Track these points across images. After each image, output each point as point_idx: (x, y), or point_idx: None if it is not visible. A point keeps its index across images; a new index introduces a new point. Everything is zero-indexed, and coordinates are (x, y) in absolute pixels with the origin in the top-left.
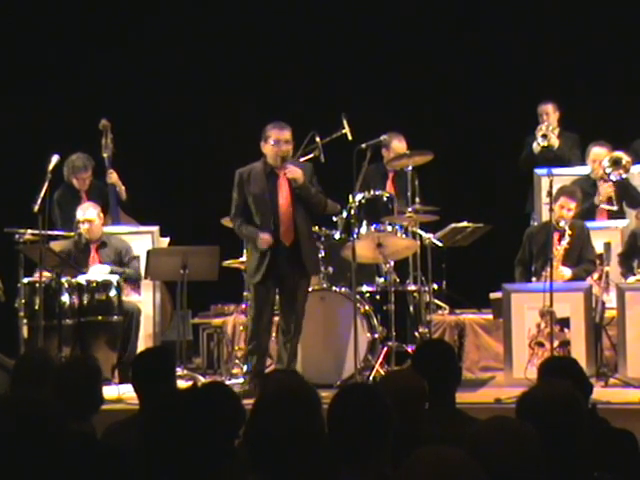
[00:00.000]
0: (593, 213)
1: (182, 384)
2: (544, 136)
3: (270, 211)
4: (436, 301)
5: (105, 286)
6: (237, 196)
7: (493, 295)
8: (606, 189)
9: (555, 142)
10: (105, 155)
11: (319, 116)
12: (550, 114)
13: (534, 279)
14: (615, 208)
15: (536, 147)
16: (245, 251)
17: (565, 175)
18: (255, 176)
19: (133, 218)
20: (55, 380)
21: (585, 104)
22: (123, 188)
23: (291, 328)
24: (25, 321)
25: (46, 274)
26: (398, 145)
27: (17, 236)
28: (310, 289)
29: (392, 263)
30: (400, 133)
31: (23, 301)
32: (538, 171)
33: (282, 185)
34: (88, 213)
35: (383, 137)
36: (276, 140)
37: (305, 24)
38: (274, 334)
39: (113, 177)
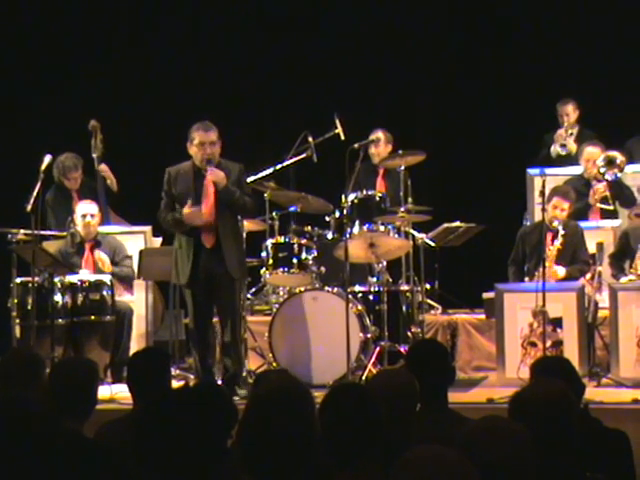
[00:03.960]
0: (586, 213)
1: (174, 384)
2: (563, 145)
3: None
4: (429, 301)
5: (98, 286)
6: (165, 194)
7: (486, 295)
8: (600, 189)
9: (573, 148)
10: (95, 155)
11: (311, 116)
12: (570, 114)
13: (527, 279)
14: (611, 207)
15: (554, 151)
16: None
17: (558, 175)
18: (182, 176)
19: (122, 218)
20: (51, 380)
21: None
22: (114, 180)
23: (226, 333)
24: (18, 321)
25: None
26: (377, 135)
27: (10, 236)
28: (302, 289)
29: (385, 263)
30: (380, 127)
31: (16, 301)
32: (531, 171)
33: (207, 187)
34: (90, 208)
35: (372, 137)
36: (200, 142)
37: (297, 25)
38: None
39: (103, 169)
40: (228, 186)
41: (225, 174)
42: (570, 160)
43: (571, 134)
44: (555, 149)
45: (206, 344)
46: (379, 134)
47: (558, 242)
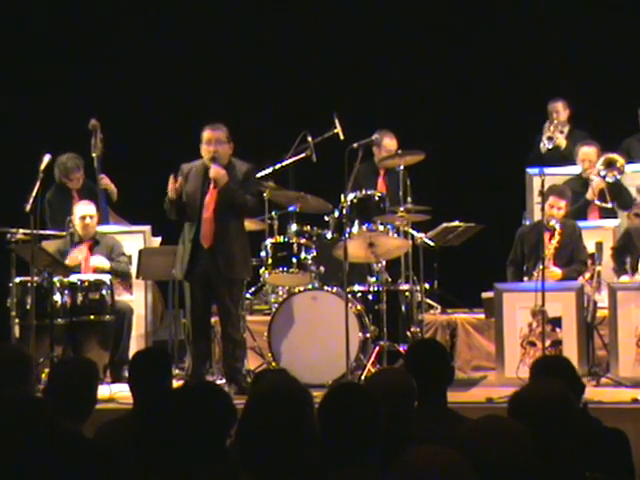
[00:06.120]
0: (585, 212)
1: (173, 384)
2: (550, 138)
3: (197, 210)
4: (428, 300)
5: (97, 285)
6: None
7: (485, 294)
8: (598, 184)
9: (562, 142)
10: (94, 155)
11: (311, 116)
12: (560, 112)
13: (526, 278)
14: (609, 205)
15: (543, 147)
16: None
17: (557, 175)
18: (193, 174)
19: (122, 217)
20: (51, 380)
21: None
22: (115, 191)
23: (225, 333)
24: (17, 321)
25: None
26: (389, 143)
27: (9, 236)
28: (302, 288)
29: (384, 262)
30: (390, 131)
31: (15, 301)
32: (530, 170)
33: (211, 184)
34: (89, 208)
35: (374, 136)
36: (207, 140)
37: (296, 24)
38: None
39: (104, 181)
40: (229, 184)
41: (228, 172)
42: (563, 155)
43: (561, 132)
44: (543, 144)
45: (199, 343)
46: (387, 141)
47: (555, 240)
